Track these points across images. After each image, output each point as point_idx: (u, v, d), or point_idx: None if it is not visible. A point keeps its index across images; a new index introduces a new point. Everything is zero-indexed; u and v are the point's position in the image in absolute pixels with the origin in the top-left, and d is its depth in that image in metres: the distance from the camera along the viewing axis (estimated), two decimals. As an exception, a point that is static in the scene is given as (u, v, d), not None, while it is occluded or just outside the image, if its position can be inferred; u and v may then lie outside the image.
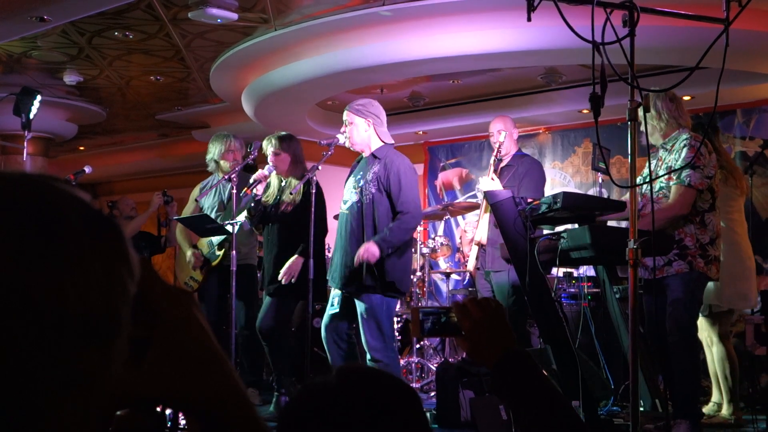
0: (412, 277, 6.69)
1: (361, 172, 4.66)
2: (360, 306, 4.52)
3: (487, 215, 5.17)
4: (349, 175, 4.83)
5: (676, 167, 4.11)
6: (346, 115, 4.71)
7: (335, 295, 4.69)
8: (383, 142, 4.69)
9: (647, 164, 4.35)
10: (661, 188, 4.23)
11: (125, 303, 0.67)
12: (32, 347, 0.61)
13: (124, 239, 0.70)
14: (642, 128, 4.34)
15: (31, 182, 0.67)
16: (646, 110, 2.77)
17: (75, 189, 0.69)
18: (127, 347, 0.70)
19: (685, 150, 4.14)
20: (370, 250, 4.39)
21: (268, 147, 5.25)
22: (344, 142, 4.74)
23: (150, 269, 0.77)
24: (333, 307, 4.66)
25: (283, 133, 5.42)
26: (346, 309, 4.62)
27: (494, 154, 5.42)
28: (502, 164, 5.51)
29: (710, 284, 4.35)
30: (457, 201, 8.85)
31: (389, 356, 4.48)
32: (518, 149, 5.69)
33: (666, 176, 4.19)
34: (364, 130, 4.66)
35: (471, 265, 5.55)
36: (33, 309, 0.61)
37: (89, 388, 0.65)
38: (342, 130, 4.73)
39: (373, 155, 4.64)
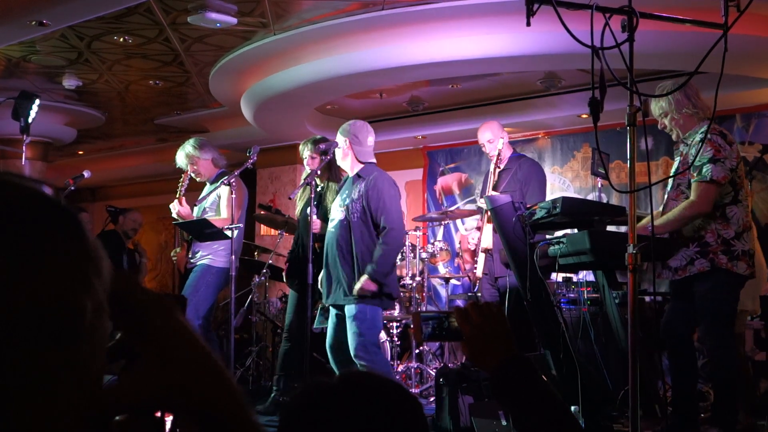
0: (411, 282, 6.69)
1: (347, 191, 4.74)
2: (347, 313, 4.60)
3: (491, 223, 5.18)
4: (337, 194, 4.93)
5: (696, 163, 4.01)
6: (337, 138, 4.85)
7: (332, 313, 4.79)
8: (361, 161, 4.77)
9: (675, 162, 4.30)
10: (679, 185, 4.15)
11: (89, 299, 0.66)
12: None
13: (85, 233, 0.68)
14: (660, 127, 4.33)
15: None
16: (645, 115, 2.77)
17: (33, 182, 0.68)
18: (104, 351, 0.69)
19: (701, 144, 4.02)
20: (366, 287, 4.47)
21: (305, 150, 5.38)
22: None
23: (129, 278, 0.77)
24: (331, 325, 4.77)
25: (318, 136, 5.50)
26: (341, 327, 4.68)
27: (494, 163, 5.38)
28: (500, 168, 5.49)
29: None
30: (456, 206, 8.86)
31: (373, 360, 4.51)
32: (513, 151, 5.67)
33: (682, 173, 4.11)
34: (343, 150, 4.77)
35: (479, 271, 5.54)
36: None
37: (56, 392, 0.63)
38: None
39: (358, 175, 4.74)
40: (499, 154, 5.36)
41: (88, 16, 5.94)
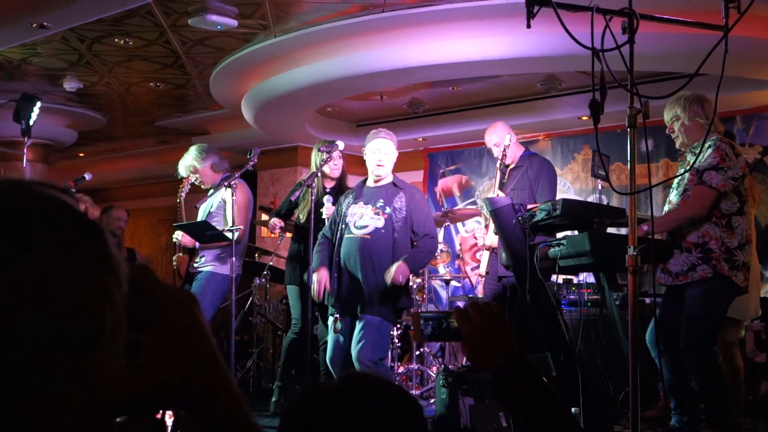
0: (411, 284, 6.69)
1: (382, 200, 4.66)
2: (361, 320, 4.51)
3: None
4: (354, 199, 4.79)
5: (699, 168, 4.01)
6: (388, 145, 4.76)
7: (337, 325, 4.65)
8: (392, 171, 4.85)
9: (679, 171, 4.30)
10: (686, 191, 4.14)
11: (109, 307, 0.66)
12: (5, 355, 0.60)
13: (105, 242, 0.68)
14: (668, 131, 4.33)
15: (6, 185, 0.66)
16: (646, 117, 2.77)
17: (55, 191, 0.68)
18: (120, 353, 0.70)
19: (709, 151, 4.02)
20: (402, 270, 4.45)
21: (322, 153, 5.34)
22: (377, 175, 4.77)
23: (149, 274, 0.78)
24: (334, 336, 4.65)
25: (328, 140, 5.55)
26: (351, 338, 4.60)
27: (500, 160, 5.35)
28: (511, 167, 5.47)
29: None
30: (456, 208, 8.86)
31: (379, 371, 4.44)
32: (525, 150, 5.63)
33: (689, 178, 4.10)
34: (392, 162, 4.80)
35: (483, 269, 5.53)
36: (7, 314, 0.60)
37: (70, 396, 0.63)
38: (379, 160, 4.73)
39: (394, 184, 4.75)
40: (504, 151, 5.32)
41: (89, 18, 5.95)
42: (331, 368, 4.68)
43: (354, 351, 4.46)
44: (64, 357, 0.63)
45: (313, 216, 4.90)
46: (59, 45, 6.72)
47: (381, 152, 4.72)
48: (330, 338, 4.70)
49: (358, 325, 4.50)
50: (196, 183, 5.71)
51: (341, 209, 4.81)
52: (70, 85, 7.96)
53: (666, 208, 4.36)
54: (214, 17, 5.84)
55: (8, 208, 0.64)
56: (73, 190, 5.84)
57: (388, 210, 4.60)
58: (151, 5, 5.75)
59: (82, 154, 11.52)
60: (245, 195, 5.55)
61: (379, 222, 4.60)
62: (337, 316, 4.65)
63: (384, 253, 4.54)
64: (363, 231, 4.61)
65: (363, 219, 4.65)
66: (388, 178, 4.78)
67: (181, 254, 5.75)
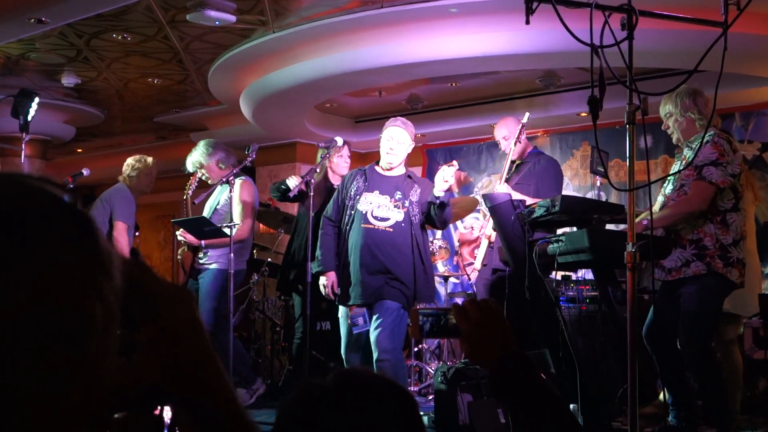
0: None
1: (400, 192, 4.68)
2: (380, 307, 4.53)
3: None
4: (366, 184, 4.74)
5: (698, 164, 3.99)
6: (401, 133, 4.71)
7: (359, 314, 4.66)
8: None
9: (674, 165, 4.30)
10: (682, 185, 4.13)
11: (99, 304, 0.66)
12: (4, 354, 0.60)
13: (96, 236, 0.68)
14: (663, 127, 4.33)
15: (1, 180, 0.66)
16: (645, 113, 2.76)
17: (46, 184, 0.67)
18: (115, 349, 0.69)
19: (707, 146, 4.00)
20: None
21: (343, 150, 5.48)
22: (389, 162, 4.73)
23: (146, 269, 0.77)
24: (359, 327, 4.67)
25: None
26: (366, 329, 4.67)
27: (508, 155, 5.34)
28: (518, 162, 5.47)
29: None
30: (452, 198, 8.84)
31: (397, 357, 4.54)
32: (533, 147, 5.65)
33: (686, 173, 4.08)
34: (406, 151, 4.76)
35: (478, 262, 5.53)
36: (6, 312, 0.60)
37: (60, 393, 0.63)
38: (390, 149, 4.70)
39: (408, 176, 4.76)
40: (520, 134, 5.30)
41: (87, 13, 5.94)
42: (345, 359, 4.74)
43: (372, 336, 4.50)
44: (62, 354, 0.63)
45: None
46: (57, 40, 6.71)
47: (394, 140, 4.70)
48: (343, 329, 4.74)
49: (377, 312, 4.54)
50: (203, 179, 5.70)
51: (349, 193, 4.75)
52: (68, 80, 7.95)
53: (660, 199, 4.35)
54: (213, 13, 5.83)
55: (5, 204, 0.64)
56: (71, 186, 5.82)
57: (407, 204, 4.65)
58: (149, 1, 5.74)
59: (80, 150, 11.50)
60: (250, 192, 5.56)
61: (400, 215, 4.63)
62: (351, 305, 4.67)
63: (404, 247, 4.59)
64: (385, 224, 4.62)
65: (382, 210, 4.65)
66: (401, 169, 4.78)
67: (185, 249, 5.75)
